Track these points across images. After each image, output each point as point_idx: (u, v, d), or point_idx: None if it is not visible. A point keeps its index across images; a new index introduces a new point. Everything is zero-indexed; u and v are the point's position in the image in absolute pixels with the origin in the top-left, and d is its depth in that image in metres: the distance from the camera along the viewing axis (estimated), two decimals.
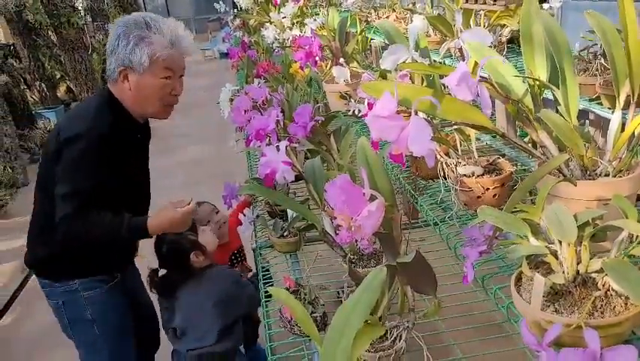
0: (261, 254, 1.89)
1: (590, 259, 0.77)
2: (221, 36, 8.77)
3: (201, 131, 7.07)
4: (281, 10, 2.91)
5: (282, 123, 1.48)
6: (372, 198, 0.86)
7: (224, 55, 8.71)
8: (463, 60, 1.28)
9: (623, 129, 0.88)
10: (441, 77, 0.92)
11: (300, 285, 1.45)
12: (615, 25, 0.87)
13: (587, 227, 0.77)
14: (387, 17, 2.53)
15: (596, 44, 1.34)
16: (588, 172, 0.90)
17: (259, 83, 2.07)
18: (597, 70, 1.30)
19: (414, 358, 1.03)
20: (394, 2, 2.63)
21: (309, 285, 1.44)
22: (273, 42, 3.03)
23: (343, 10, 2.84)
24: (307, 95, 1.96)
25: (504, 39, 1.66)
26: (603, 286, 0.76)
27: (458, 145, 1.33)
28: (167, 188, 4.79)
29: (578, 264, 0.77)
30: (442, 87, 1.13)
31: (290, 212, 1.85)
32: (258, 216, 1.88)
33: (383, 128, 0.74)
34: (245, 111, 1.65)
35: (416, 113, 0.72)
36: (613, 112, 0.90)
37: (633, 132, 0.86)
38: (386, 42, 1.37)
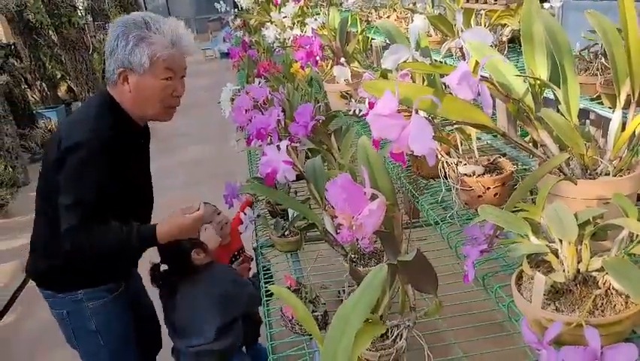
0: (262, 253, 1.89)
1: (591, 257, 0.78)
2: (221, 36, 8.77)
3: (202, 131, 7.07)
4: (282, 9, 2.90)
5: (282, 123, 1.48)
6: (373, 197, 0.86)
7: (225, 55, 8.71)
8: (464, 59, 1.29)
9: (623, 129, 0.88)
10: (442, 76, 0.92)
11: (301, 284, 1.46)
12: (616, 24, 0.87)
13: (587, 226, 0.77)
14: (387, 17, 2.53)
15: (597, 44, 1.34)
16: (589, 171, 0.90)
17: (260, 82, 2.07)
18: (598, 69, 1.30)
19: (414, 357, 1.03)
20: (395, 2, 2.63)
21: (310, 284, 1.44)
22: (274, 42, 3.03)
23: (344, 9, 2.84)
24: (308, 94, 1.96)
25: (505, 38, 1.66)
26: (604, 284, 0.76)
27: (459, 144, 1.33)
28: (168, 188, 4.81)
29: (578, 263, 0.78)
30: (443, 86, 1.13)
31: (291, 211, 1.85)
32: (259, 215, 1.89)
33: (384, 127, 0.74)
34: (246, 111, 1.65)
35: (417, 112, 0.72)
36: (613, 111, 0.90)
37: (634, 132, 0.86)
38: (387, 42, 1.38)
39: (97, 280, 1.78)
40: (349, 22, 2.29)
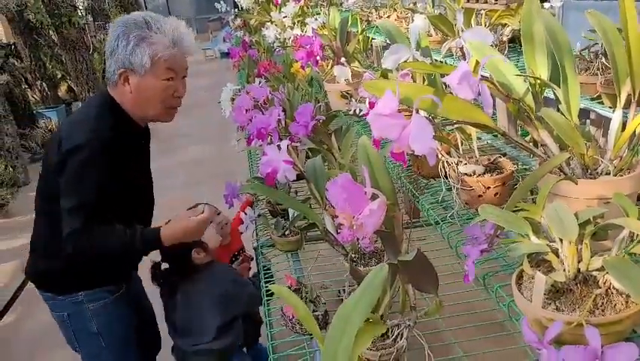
0: (262, 253, 1.89)
1: (591, 257, 0.78)
2: (222, 36, 8.76)
3: (202, 131, 7.08)
4: (282, 9, 2.90)
5: (283, 122, 1.48)
6: (374, 197, 0.86)
7: (225, 55, 8.73)
8: (465, 59, 1.29)
9: (623, 128, 0.88)
10: (442, 76, 0.92)
11: (302, 283, 1.45)
12: (616, 24, 0.87)
13: (587, 225, 0.77)
14: (388, 17, 2.53)
15: (597, 43, 1.34)
16: (589, 171, 0.90)
17: (260, 82, 2.07)
18: (598, 69, 1.30)
19: (415, 356, 1.03)
20: (395, 2, 2.63)
21: (311, 283, 1.44)
22: (274, 42, 3.03)
23: (344, 9, 2.84)
24: (308, 94, 1.96)
25: (505, 38, 1.66)
26: (604, 284, 0.77)
27: (459, 144, 1.33)
28: (169, 188, 4.81)
29: (579, 262, 0.78)
30: (444, 86, 1.13)
31: (291, 211, 1.85)
32: (259, 215, 1.89)
33: (384, 127, 0.74)
34: (246, 111, 1.65)
35: (417, 112, 0.72)
36: (614, 111, 0.90)
37: (634, 131, 0.86)
38: (387, 41, 1.38)
39: (97, 282, 1.77)
40: (349, 22, 2.29)
